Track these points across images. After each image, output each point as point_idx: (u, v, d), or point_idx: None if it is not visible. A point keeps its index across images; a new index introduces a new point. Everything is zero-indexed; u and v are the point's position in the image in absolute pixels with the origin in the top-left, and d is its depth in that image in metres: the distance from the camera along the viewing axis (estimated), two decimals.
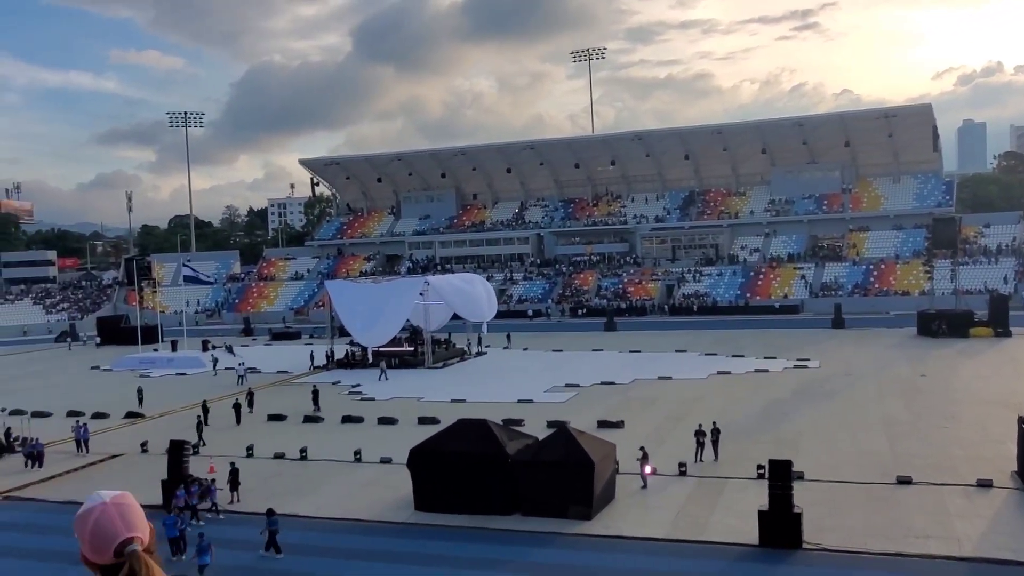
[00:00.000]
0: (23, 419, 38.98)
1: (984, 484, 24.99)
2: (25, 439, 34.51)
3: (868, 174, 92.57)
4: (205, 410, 37.95)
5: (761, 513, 21.59)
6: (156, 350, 66.19)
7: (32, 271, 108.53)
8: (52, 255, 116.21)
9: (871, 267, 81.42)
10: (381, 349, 55.43)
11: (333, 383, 49.63)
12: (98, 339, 78.58)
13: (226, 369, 55.08)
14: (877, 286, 78.97)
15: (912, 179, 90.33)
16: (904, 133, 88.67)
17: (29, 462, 32.52)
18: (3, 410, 41.50)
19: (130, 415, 41.91)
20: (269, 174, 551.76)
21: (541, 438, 26.61)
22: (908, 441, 30.69)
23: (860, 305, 74.08)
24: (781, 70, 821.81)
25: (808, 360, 50.01)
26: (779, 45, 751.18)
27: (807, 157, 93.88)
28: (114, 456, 33.96)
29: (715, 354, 54.30)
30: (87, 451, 34.31)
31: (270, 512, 22.81)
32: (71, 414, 41.01)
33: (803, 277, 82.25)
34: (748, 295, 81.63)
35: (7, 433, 35.32)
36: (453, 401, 41.42)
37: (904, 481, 25.64)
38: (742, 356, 52.93)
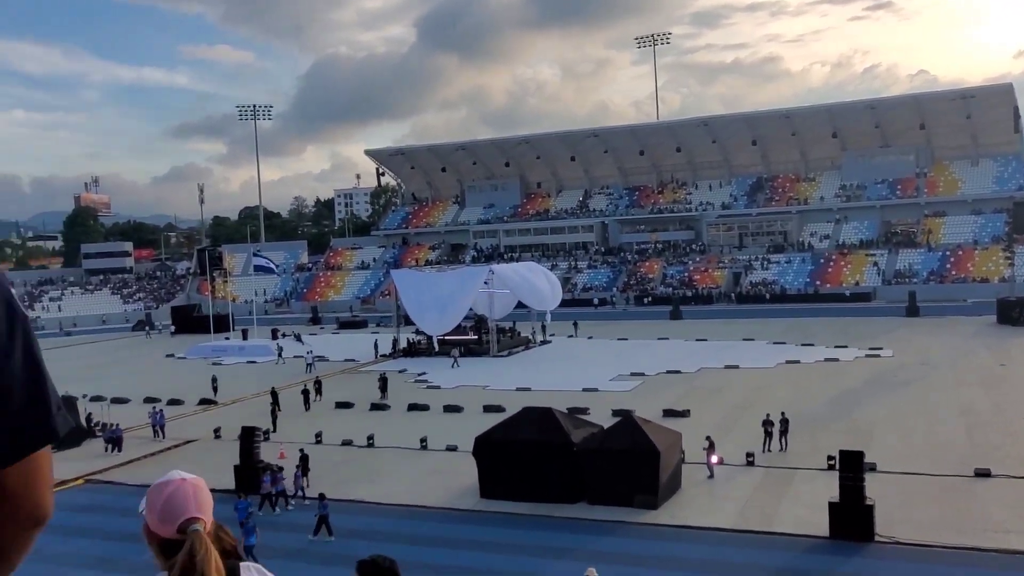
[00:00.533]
0: (103, 405, 40.33)
1: None
2: (105, 424, 35.75)
3: (944, 157, 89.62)
4: (275, 396, 38.65)
5: (832, 505, 21.18)
6: (227, 338, 67.76)
7: (110, 262, 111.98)
8: (129, 246, 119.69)
9: (947, 253, 78.95)
10: (446, 338, 55.88)
11: (399, 371, 50.19)
12: (172, 328, 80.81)
13: (294, 357, 56.15)
14: (954, 273, 76.57)
15: (991, 162, 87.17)
16: (983, 114, 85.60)
17: (109, 447, 33.67)
18: (84, 396, 42.97)
19: (204, 402, 43.06)
20: (336, 165, 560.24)
21: (606, 427, 26.52)
22: (987, 432, 29.74)
23: (935, 292, 71.92)
24: (853, 52, 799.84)
25: (881, 349, 48.82)
26: (851, 26, 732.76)
27: (880, 141, 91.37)
28: (189, 441, 34.94)
29: (783, 343, 53.37)
30: (163, 436, 35.39)
31: (321, 496, 23.44)
32: (148, 400, 42.33)
33: (875, 264, 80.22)
34: (818, 283, 79.98)
35: (88, 418, 36.57)
36: (518, 389, 41.52)
37: (982, 473, 24.86)
38: (812, 345, 51.90)
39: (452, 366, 50.66)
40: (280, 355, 57.66)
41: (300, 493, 26.28)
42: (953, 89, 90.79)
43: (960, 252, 78.52)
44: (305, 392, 40.65)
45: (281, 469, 26.76)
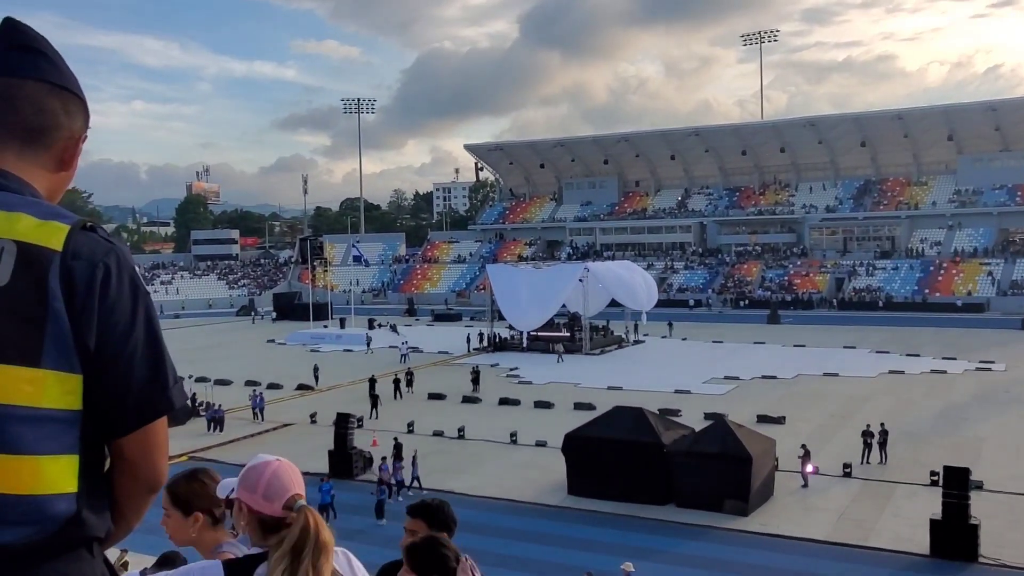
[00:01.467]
0: (207, 386, 41.88)
1: None
2: (208, 404, 37.14)
3: None
4: (372, 384, 39.27)
5: (933, 522, 20.36)
6: (326, 327, 69.48)
7: (217, 248, 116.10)
8: (235, 234, 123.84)
9: None
10: (539, 334, 56.01)
11: (492, 365, 50.53)
12: (274, 314, 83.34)
13: (389, 347, 57.17)
14: None
15: None
16: None
17: (211, 426, 34.97)
18: (190, 377, 44.70)
19: (301, 387, 44.28)
20: (436, 159, 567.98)
21: (698, 429, 26.15)
22: None
23: None
24: (975, 50, 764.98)
25: (992, 362, 46.61)
26: (973, 24, 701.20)
27: (999, 144, 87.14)
28: (286, 425, 36.00)
29: (887, 352, 51.49)
30: (262, 419, 36.56)
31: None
32: (248, 383, 43.78)
33: (990, 273, 76.62)
34: (926, 291, 76.88)
35: (193, 398, 38.05)
36: (609, 388, 41.29)
37: None
38: (917, 355, 49.90)
39: (557, 361, 51.53)
40: (368, 345, 58.65)
41: (416, 483, 26.40)
42: None
43: None
44: (396, 381, 41.33)
45: (400, 458, 26.89)
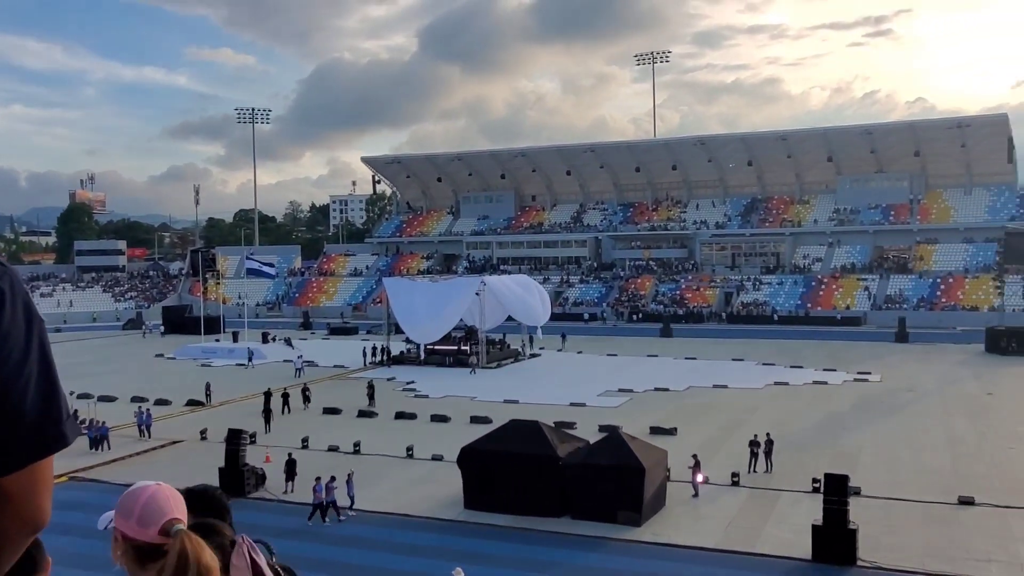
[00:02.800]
0: (90, 403, 40.16)
1: None
2: (92, 422, 35.58)
3: (938, 185, 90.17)
4: (268, 398, 38.42)
5: (815, 527, 21.22)
6: (217, 340, 67.62)
7: (103, 260, 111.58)
8: (122, 245, 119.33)
9: (938, 281, 79.33)
10: (435, 347, 55.92)
11: (388, 379, 50.12)
12: (163, 328, 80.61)
13: (284, 361, 56.06)
14: (944, 300, 76.91)
15: (984, 191, 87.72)
16: (978, 144, 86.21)
17: (95, 444, 33.53)
18: (71, 393, 42.79)
19: (191, 403, 42.95)
20: (334, 171, 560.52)
21: (592, 442, 26.54)
22: (972, 461, 29.85)
23: (925, 319, 72.22)
24: (854, 77, 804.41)
25: (869, 374, 48.97)
26: (851, 51, 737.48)
27: (875, 166, 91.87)
28: (175, 442, 34.84)
29: (773, 364, 53.48)
30: (149, 436, 35.28)
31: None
32: (135, 399, 42.19)
33: (866, 289, 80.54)
34: (809, 305, 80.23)
35: (74, 415, 36.38)
36: (506, 401, 41.51)
37: (966, 502, 24.94)
38: (801, 367, 52.02)
39: (471, 373, 52.00)
40: (250, 360, 57.15)
41: (351, 504, 25.41)
42: (949, 117, 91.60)
43: (951, 280, 78.91)
44: (285, 395, 40.44)
45: (333, 478, 25.42)
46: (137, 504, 1.86)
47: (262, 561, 1.90)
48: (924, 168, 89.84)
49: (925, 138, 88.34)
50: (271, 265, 73.57)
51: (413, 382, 48.97)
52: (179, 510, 1.88)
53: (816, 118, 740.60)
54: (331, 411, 40.13)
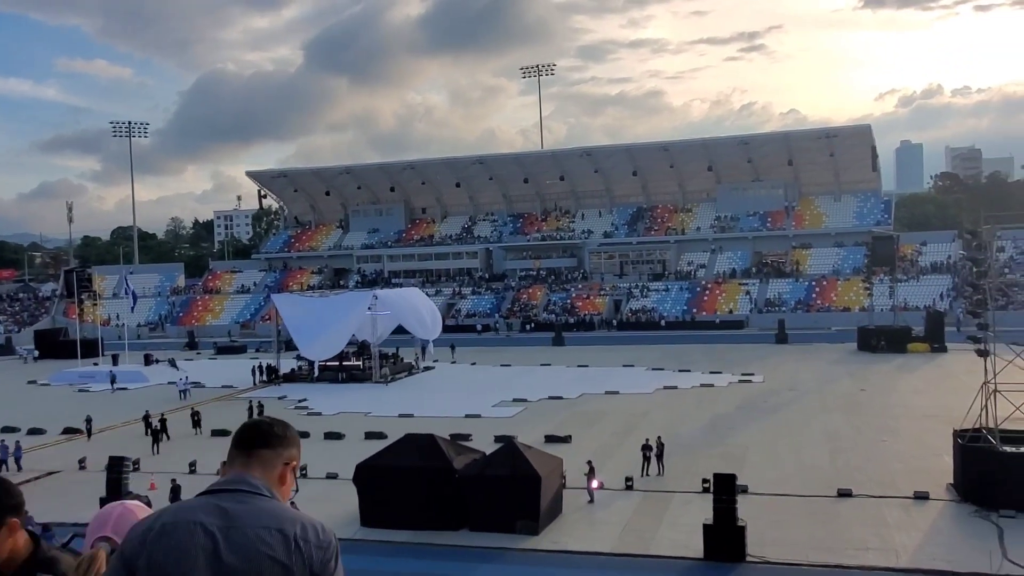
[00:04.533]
0: None
1: (921, 496, 25.62)
2: None
3: (810, 192, 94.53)
4: (147, 422, 37.01)
5: (706, 527, 21.84)
6: (96, 364, 64.65)
7: None
8: None
9: (813, 283, 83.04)
10: (328, 363, 55.02)
11: (279, 397, 49.01)
12: (36, 353, 76.57)
13: (168, 383, 54.10)
14: (819, 302, 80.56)
15: (852, 198, 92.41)
16: (845, 153, 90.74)
17: None
18: None
19: (68, 431, 40.84)
20: (218, 186, 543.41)
21: (488, 453, 26.61)
22: (849, 455, 31.32)
23: (803, 321, 75.43)
24: (732, 89, 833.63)
25: (752, 375, 50.77)
26: (728, 65, 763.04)
27: (752, 175, 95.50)
28: (51, 473, 33.09)
29: (662, 369, 54.84)
30: (20, 469, 33.26)
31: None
32: (6, 430, 39.89)
33: (748, 293, 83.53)
34: (694, 311, 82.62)
35: None
36: (400, 416, 41.20)
37: (844, 494, 26.16)
38: (688, 371, 53.52)
39: (386, 384, 52.65)
40: (112, 384, 55.11)
41: None
42: (817, 128, 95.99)
43: (824, 282, 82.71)
44: (163, 420, 38.49)
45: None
46: (109, 520, 1.98)
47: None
48: (797, 176, 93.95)
49: (797, 148, 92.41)
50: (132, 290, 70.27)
51: (305, 400, 48.03)
52: (118, 529, 1.98)
53: (697, 129, 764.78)
54: (220, 433, 38.84)
